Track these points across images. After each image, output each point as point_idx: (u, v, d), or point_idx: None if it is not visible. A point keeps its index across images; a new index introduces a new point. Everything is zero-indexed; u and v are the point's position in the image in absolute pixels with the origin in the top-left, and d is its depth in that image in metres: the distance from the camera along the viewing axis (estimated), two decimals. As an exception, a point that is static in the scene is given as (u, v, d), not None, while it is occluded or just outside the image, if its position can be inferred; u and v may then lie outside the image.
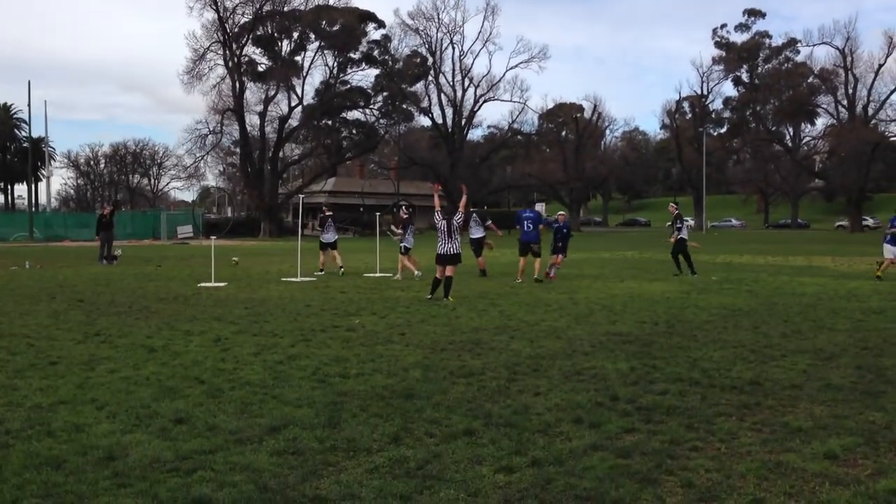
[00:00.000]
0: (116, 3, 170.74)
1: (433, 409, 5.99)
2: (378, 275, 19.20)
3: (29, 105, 56.71)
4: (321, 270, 20.06)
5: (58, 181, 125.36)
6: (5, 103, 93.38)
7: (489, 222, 19.82)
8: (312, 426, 5.52)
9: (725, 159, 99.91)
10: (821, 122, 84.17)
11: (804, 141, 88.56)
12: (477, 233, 19.61)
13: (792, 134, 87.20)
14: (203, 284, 16.82)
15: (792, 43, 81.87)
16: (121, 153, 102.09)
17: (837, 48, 73.52)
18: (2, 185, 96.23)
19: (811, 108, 79.65)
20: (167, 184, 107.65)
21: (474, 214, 19.94)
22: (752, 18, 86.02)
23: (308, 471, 4.60)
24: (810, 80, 77.23)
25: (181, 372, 7.40)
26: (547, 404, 6.16)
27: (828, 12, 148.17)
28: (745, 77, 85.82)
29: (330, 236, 20.75)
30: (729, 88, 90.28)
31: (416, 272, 18.37)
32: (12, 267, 22.75)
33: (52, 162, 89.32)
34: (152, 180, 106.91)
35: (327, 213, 21.55)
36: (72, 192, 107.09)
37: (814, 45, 78.02)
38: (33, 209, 61.89)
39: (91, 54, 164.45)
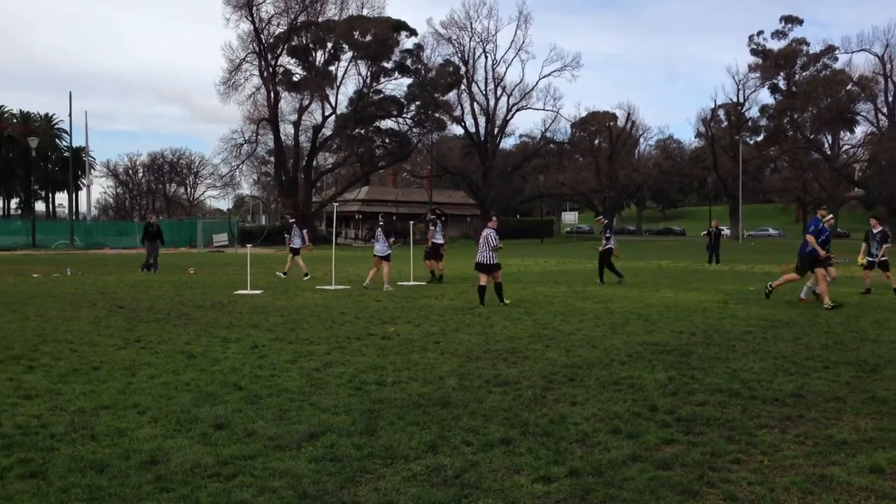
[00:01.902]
0: (154, 16, 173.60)
1: (469, 418, 5.98)
2: (412, 283, 19.24)
3: (70, 115, 57.51)
4: (306, 275, 21.04)
5: (97, 190, 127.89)
6: (47, 114, 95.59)
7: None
8: (350, 433, 5.54)
9: (762, 168, 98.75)
10: (860, 130, 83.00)
11: (843, 149, 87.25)
12: (439, 239, 20.29)
13: (831, 142, 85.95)
14: (240, 292, 16.98)
15: (830, 50, 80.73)
16: (158, 162, 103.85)
17: (877, 55, 72.59)
18: (44, 193, 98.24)
19: (850, 116, 78.55)
20: (203, 192, 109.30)
21: (440, 223, 20.62)
22: (789, 25, 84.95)
23: (346, 477, 4.62)
24: (849, 87, 76.20)
25: (220, 378, 7.47)
26: (584, 414, 6.12)
27: (866, 18, 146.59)
28: (782, 84, 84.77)
29: (298, 242, 21.64)
30: (766, 96, 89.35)
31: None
32: (54, 274, 23.17)
33: (92, 171, 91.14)
34: (189, 189, 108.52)
35: (291, 221, 22.96)
36: (111, 200, 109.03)
37: (853, 52, 77.30)
38: (74, 217, 62.99)
39: (129, 66, 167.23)
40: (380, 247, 18.14)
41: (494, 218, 15.41)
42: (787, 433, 5.60)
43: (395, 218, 70.08)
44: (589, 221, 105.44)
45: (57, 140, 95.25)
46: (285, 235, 22.48)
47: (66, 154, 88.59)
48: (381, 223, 18.83)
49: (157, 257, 25.02)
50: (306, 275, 20.80)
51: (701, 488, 4.47)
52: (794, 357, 8.68)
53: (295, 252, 21.53)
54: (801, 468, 4.82)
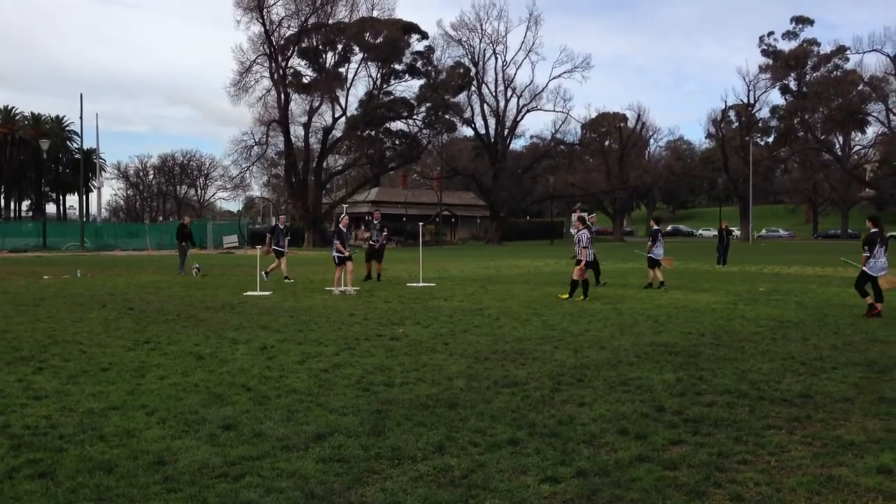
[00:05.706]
0: (165, 18, 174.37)
1: (477, 419, 5.99)
2: (421, 284, 19.26)
3: (81, 118, 57.65)
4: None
5: (108, 192, 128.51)
6: (58, 116, 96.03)
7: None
8: (357, 434, 5.55)
9: (772, 168, 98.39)
10: (871, 131, 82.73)
11: (854, 150, 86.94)
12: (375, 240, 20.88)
13: (842, 143, 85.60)
14: (249, 293, 17.02)
15: (841, 50, 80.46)
16: (169, 164, 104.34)
17: (888, 55, 72.37)
18: (55, 195, 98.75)
19: (861, 117, 78.26)
20: (213, 194, 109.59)
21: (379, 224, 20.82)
22: (800, 26, 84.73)
23: (353, 478, 4.63)
24: (860, 87, 75.96)
25: (228, 379, 7.50)
26: (592, 415, 6.12)
27: (876, 19, 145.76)
28: (793, 85, 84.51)
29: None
30: (776, 97, 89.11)
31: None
32: (65, 275, 23.28)
33: (103, 173, 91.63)
34: (199, 191, 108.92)
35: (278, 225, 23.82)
36: (121, 202, 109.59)
37: (864, 53, 77.18)
38: (85, 219, 63.27)
39: (140, 68, 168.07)
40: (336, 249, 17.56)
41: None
42: (794, 434, 5.59)
43: (404, 219, 70.20)
44: (603, 222, 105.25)
45: (68, 142, 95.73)
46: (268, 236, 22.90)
47: (76, 156, 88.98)
48: (337, 225, 18.40)
49: (186, 259, 24.33)
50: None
51: (707, 489, 4.46)
52: (803, 358, 8.66)
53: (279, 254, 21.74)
54: (809, 469, 4.81)
